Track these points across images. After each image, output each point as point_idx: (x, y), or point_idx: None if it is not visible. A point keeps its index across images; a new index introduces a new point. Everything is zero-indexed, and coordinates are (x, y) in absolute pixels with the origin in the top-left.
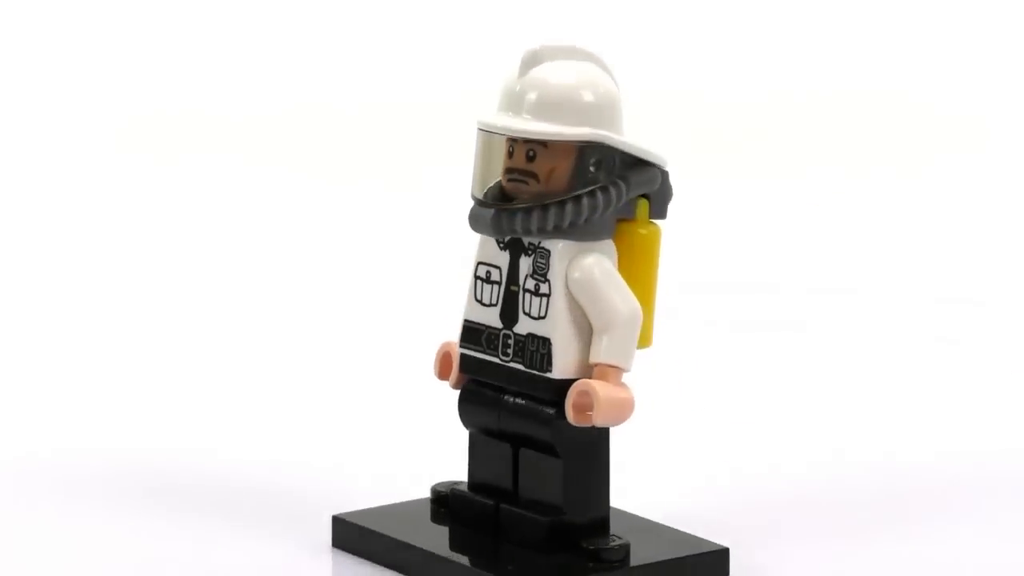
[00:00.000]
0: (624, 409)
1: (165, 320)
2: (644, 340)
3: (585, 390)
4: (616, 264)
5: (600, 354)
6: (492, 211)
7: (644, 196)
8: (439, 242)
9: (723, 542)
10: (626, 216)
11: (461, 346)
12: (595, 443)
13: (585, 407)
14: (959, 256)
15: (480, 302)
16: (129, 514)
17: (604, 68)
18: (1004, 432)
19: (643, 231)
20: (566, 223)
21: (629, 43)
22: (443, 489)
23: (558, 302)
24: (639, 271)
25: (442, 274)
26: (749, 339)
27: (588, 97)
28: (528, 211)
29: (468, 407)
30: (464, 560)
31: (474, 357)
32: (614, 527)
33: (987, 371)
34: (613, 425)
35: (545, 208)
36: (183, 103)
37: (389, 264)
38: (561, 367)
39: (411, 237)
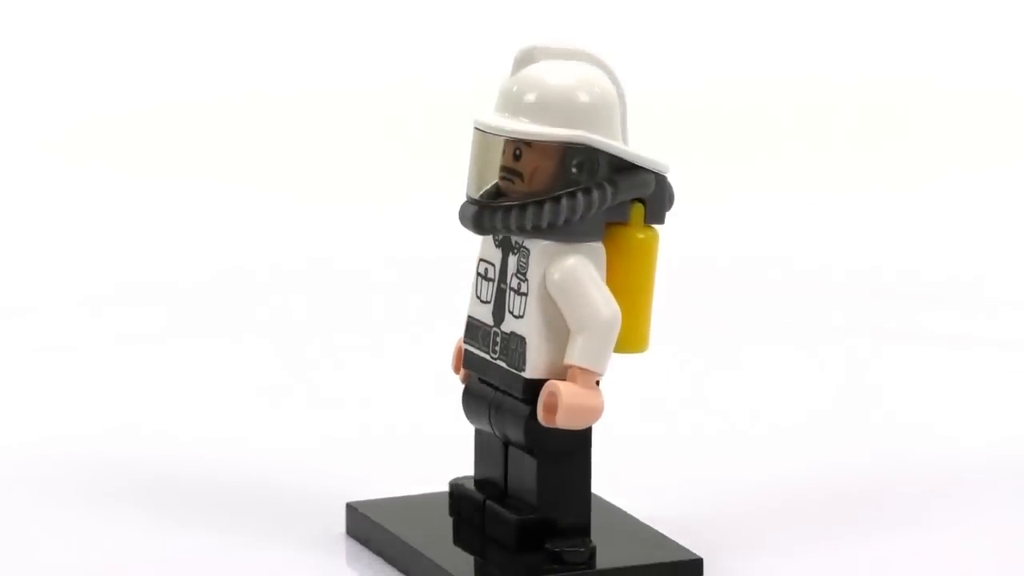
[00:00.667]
0: (589, 413)
1: (176, 313)
2: (640, 345)
3: (552, 391)
4: (604, 267)
5: (573, 356)
6: (476, 208)
7: (640, 200)
8: (456, 237)
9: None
10: (619, 220)
11: (464, 342)
12: (573, 445)
13: (554, 407)
14: (954, 255)
15: (479, 299)
16: (134, 512)
17: (605, 70)
18: (999, 434)
19: (640, 235)
20: (544, 223)
21: (628, 43)
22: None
23: (534, 302)
24: (634, 276)
25: (462, 268)
26: (746, 340)
27: (578, 98)
28: (508, 210)
29: (468, 403)
30: (437, 555)
31: (474, 353)
32: (606, 525)
33: (984, 371)
34: (577, 428)
35: (523, 208)
36: (184, 102)
37: (406, 259)
38: (533, 366)
39: (426, 233)
